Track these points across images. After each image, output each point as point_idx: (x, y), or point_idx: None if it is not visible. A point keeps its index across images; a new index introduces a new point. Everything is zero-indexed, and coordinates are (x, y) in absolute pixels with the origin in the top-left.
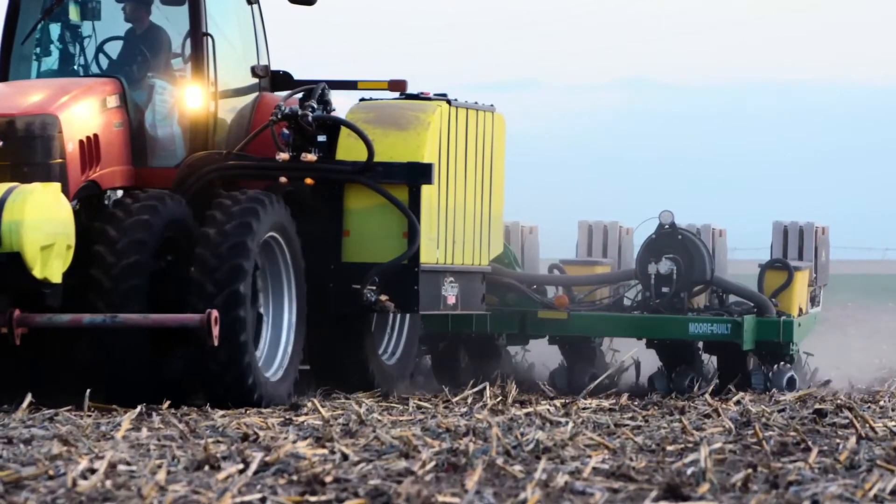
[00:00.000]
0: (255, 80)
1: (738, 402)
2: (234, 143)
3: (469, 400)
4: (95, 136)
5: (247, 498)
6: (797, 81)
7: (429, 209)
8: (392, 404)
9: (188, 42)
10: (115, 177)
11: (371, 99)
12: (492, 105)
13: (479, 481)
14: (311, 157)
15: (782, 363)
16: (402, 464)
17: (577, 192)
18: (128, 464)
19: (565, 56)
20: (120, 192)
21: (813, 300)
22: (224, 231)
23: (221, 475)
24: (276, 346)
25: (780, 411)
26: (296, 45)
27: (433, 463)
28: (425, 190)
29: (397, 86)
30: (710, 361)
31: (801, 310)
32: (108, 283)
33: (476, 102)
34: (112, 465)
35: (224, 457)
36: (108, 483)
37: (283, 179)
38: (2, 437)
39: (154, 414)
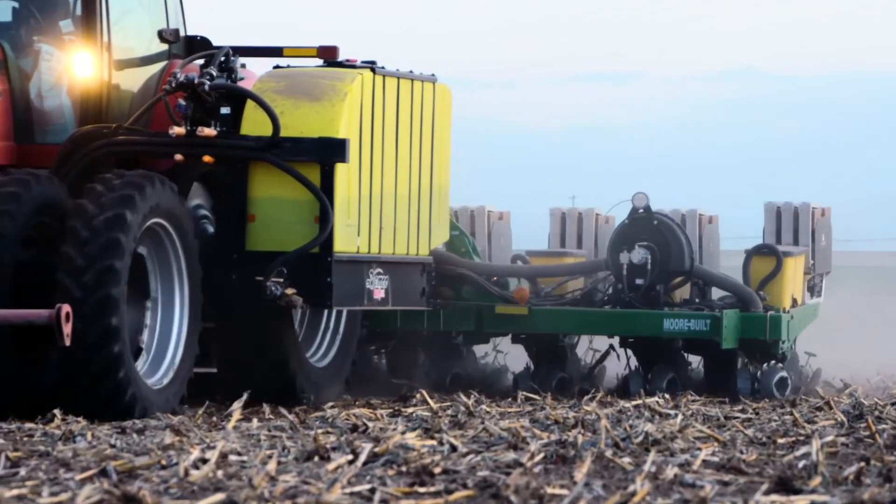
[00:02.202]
0: (165, 47)
1: (850, 395)
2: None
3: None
4: None
5: (356, 489)
6: None
7: (346, 190)
8: (500, 396)
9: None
10: None
11: (287, 67)
12: (432, 74)
13: (588, 473)
14: (209, 131)
15: (773, 362)
16: (511, 455)
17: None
18: (239, 454)
19: (670, 48)
20: None
21: (812, 290)
22: (101, 203)
23: (331, 466)
24: (164, 347)
25: (892, 404)
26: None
27: (542, 455)
28: (340, 169)
29: (327, 52)
30: (701, 363)
31: (794, 301)
32: None
33: (411, 71)
34: (223, 456)
35: (334, 447)
36: (220, 473)
37: (178, 156)
38: (115, 426)
39: (264, 405)
